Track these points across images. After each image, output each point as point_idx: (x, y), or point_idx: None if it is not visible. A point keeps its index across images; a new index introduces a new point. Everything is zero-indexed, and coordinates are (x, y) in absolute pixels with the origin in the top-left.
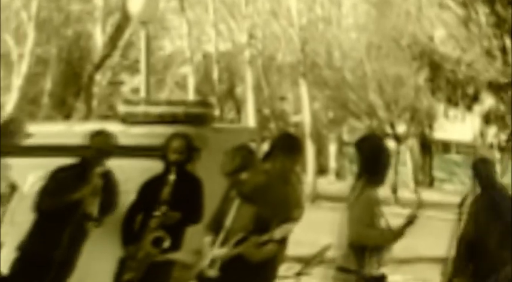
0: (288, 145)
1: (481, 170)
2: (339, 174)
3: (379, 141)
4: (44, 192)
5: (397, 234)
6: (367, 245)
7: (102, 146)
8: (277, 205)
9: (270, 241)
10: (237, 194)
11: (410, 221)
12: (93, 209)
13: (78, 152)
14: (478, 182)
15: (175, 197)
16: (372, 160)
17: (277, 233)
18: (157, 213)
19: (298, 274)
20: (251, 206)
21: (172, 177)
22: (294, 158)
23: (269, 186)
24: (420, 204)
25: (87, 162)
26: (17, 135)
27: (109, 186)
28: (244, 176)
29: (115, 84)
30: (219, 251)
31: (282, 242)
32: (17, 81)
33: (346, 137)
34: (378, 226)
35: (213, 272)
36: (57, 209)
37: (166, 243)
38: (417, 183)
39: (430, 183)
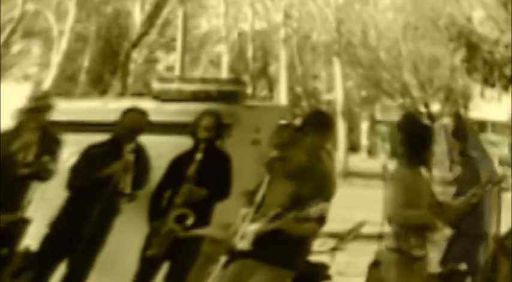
0: (318, 122)
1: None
2: (371, 152)
3: (420, 121)
4: (75, 170)
5: (452, 215)
6: (404, 225)
7: (134, 124)
8: (318, 184)
9: (307, 218)
10: (279, 171)
11: (474, 197)
12: (126, 184)
13: (112, 129)
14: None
15: (203, 174)
16: (412, 140)
17: (314, 211)
18: (182, 190)
19: (333, 249)
20: (291, 183)
21: (199, 155)
22: (324, 134)
23: (311, 166)
24: (486, 184)
25: (119, 139)
26: (50, 111)
27: (141, 162)
28: (289, 151)
29: (150, 61)
30: (255, 225)
31: (321, 220)
32: (56, 58)
33: (378, 115)
34: (423, 206)
35: (245, 245)
36: (88, 185)
37: (190, 221)
38: (452, 161)
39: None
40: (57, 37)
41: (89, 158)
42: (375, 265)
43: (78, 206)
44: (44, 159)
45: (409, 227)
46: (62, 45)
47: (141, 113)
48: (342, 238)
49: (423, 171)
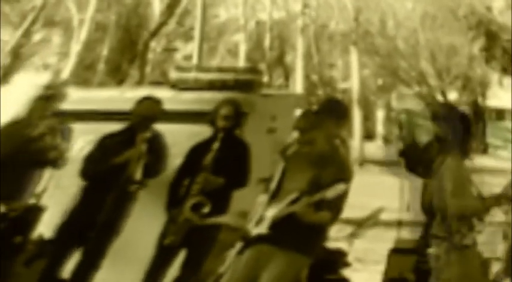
0: (333, 110)
1: None
2: (387, 140)
3: (460, 110)
4: (89, 159)
5: (492, 202)
6: (456, 214)
7: (147, 112)
8: (337, 171)
9: (323, 202)
10: (299, 157)
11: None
12: (137, 172)
13: (129, 118)
14: None
15: (220, 162)
16: (456, 130)
17: (330, 193)
18: (198, 178)
19: (351, 236)
20: (311, 169)
21: (216, 144)
22: (338, 122)
23: (330, 152)
24: None
25: (134, 128)
26: (62, 99)
27: (155, 150)
28: (311, 137)
29: (169, 51)
30: (272, 211)
31: (337, 209)
32: (75, 47)
33: (394, 103)
34: (469, 195)
35: (262, 230)
36: (102, 173)
37: (206, 209)
38: (471, 149)
39: (484, 149)
40: (77, 26)
41: (103, 147)
42: (394, 252)
43: (93, 194)
44: (63, 147)
45: (459, 216)
46: (82, 34)
47: (155, 101)
48: (359, 225)
49: (466, 160)
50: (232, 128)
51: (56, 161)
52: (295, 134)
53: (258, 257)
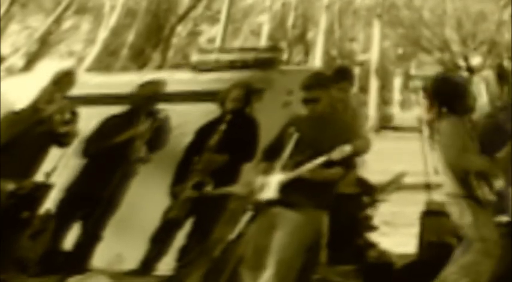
0: (333, 74)
1: None
2: (403, 106)
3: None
4: (91, 139)
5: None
6: (469, 169)
7: (149, 93)
8: (337, 133)
9: (331, 163)
10: (304, 120)
11: None
12: (140, 149)
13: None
14: None
15: (227, 142)
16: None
17: (335, 155)
18: (203, 158)
19: (374, 201)
20: (313, 131)
21: (223, 126)
22: (340, 86)
23: (333, 115)
24: None
25: (136, 109)
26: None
27: (158, 127)
28: (318, 92)
29: (194, 34)
30: (279, 176)
31: (349, 164)
32: (102, 34)
33: (413, 70)
34: (476, 152)
35: (271, 195)
36: (103, 151)
37: (208, 188)
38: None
39: None
40: (108, 13)
41: (105, 127)
42: (427, 214)
43: (93, 170)
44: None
45: (473, 172)
46: (112, 20)
47: (156, 82)
48: (381, 189)
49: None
50: (242, 108)
51: (66, 139)
52: (301, 93)
53: (270, 220)
